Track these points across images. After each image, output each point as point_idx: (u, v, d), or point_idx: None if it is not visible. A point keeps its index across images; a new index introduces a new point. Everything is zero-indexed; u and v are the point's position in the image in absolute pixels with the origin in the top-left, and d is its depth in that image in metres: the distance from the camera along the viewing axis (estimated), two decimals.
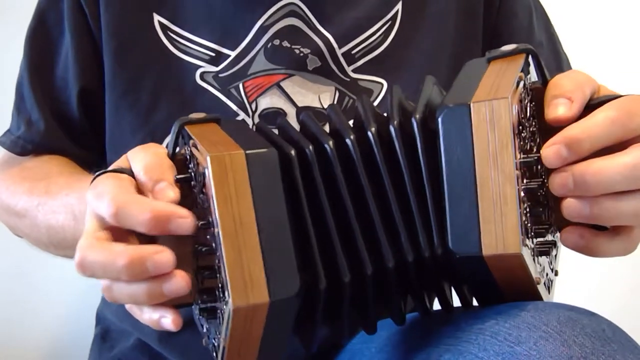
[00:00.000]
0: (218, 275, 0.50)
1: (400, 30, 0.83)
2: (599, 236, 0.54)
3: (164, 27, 0.81)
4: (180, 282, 0.50)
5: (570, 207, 0.52)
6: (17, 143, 0.87)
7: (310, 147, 0.55)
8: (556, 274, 0.60)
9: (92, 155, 0.86)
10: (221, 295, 0.50)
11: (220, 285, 0.50)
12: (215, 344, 0.54)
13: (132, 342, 0.86)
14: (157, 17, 0.81)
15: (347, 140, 0.56)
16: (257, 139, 0.54)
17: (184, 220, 0.50)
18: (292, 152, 0.54)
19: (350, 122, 0.60)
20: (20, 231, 0.84)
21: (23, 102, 0.87)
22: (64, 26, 0.84)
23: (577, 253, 0.58)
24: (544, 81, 0.57)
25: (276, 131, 0.60)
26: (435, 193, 0.54)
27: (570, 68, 0.90)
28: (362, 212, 0.56)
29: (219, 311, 0.52)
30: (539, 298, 0.54)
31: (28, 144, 0.86)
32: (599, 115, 0.51)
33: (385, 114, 0.58)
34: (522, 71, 0.55)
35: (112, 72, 0.81)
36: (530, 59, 0.58)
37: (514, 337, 0.50)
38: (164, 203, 0.52)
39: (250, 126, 0.80)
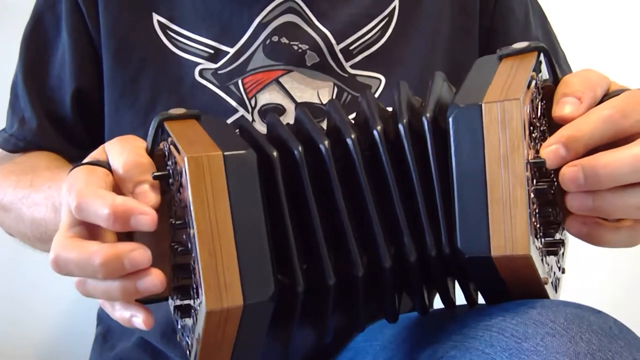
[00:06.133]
0: (193, 275, 0.50)
1: (397, 26, 0.83)
2: (602, 225, 0.54)
3: (163, 27, 0.81)
4: (154, 280, 0.50)
5: (574, 200, 0.52)
6: (9, 140, 0.87)
7: (300, 148, 0.54)
8: (563, 272, 0.60)
9: (85, 154, 0.86)
10: (195, 296, 0.50)
11: (194, 285, 0.50)
12: (189, 342, 0.54)
13: (134, 340, 0.86)
14: (156, 17, 0.82)
15: (348, 140, 0.55)
16: (237, 140, 0.53)
17: (144, 217, 0.50)
18: (275, 153, 0.53)
19: (352, 116, 0.60)
20: (8, 226, 0.84)
21: (17, 101, 0.87)
22: (61, 27, 0.84)
23: (578, 250, 0.58)
24: (555, 79, 0.57)
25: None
26: (444, 193, 0.53)
27: (567, 64, 0.91)
28: (359, 213, 0.55)
29: (193, 310, 0.52)
30: (546, 297, 0.54)
31: (20, 142, 0.86)
32: (593, 115, 0.52)
33: (389, 109, 0.58)
34: (534, 70, 0.55)
35: (111, 72, 0.82)
36: (542, 57, 0.58)
37: (521, 334, 0.50)
38: (125, 198, 0.51)
39: (250, 121, 0.80)
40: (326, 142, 0.54)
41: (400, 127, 0.55)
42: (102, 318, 0.92)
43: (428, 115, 0.54)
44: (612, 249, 0.57)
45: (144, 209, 0.50)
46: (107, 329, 0.90)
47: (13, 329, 1.30)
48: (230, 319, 0.49)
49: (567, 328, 0.49)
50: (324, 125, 0.64)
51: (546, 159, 0.51)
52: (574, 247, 0.60)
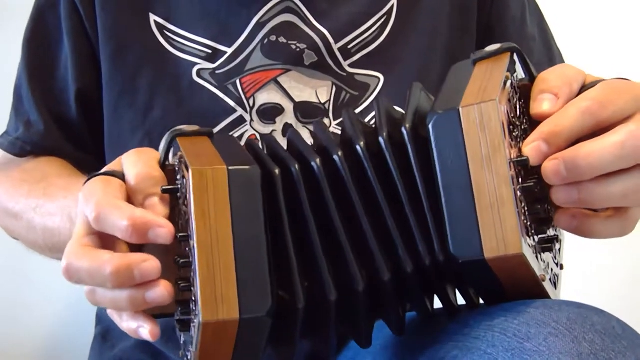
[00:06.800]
0: (192, 288, 0.50)
1: (395, 24, 0.83)
2: (592, 217, 0.55)
3: (160, 27, 0.81)
4: (162, 291, 0.50)
5: (559, 193, 0.52)
6: (15, 144, 0.86)
7: (296, 166, 0.54)
8: (561, 268, 0.60)
9: (90, 157, 0.86)
10: (194, 309, 0.50)
11: (193, 298, 0.50)
12: (188, 357, 0.54)
13: (134, 341, 0.86)
14: (153, 17, 0.81)
15: (335, 157, 0.55)
16: (243, 156, 0.54)
17: (162, 230, 0.50)
18: (276, 170, 0.53)
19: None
20: (17, 234, 0.84)
21: (21, 104, 0.87)
22: (62, 28, 0.84)
23: (576, 248, 0.58)
24: (531, 78, 0.57)
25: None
26: (432, 200, 0.54)
27: (562, 62, 0.91)
28: (355, 228, 0.55)
29: (192, 324, 0.52)
30: (546, 295, 0.54)
31: (27, 145, 0.86)
32: (571, 108, 0.52)
33: (373, 125, 0.58)
34: (508, 70, 0.55)
35: (109, 73, 0.82)
36: (515, 57, 0.58)
37: (524, 334, 0.50)
38: (144, 211, 0.52)
39: (248, 122, 0.80)
40: (317, 160, 0.55)
41: (381, 140, 0.55)
42: (102, 318, 0.92)
43: (407, 125, 0.55)
44: (612, 248, 0.57)
45: (162, 222, 0.51)
46: (106, 329, 0.90)
47: (13, 329, 1.30)
48: (227, 332, 0.49)
49: (570, 328, 0.49)
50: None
51: (529, 156, 0.51)
52: (574, 247, 0.60)
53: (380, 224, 0.55)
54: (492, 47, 0.58)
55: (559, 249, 0.60)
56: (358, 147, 0.55)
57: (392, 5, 0.83)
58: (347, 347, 0.79)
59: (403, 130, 0.55)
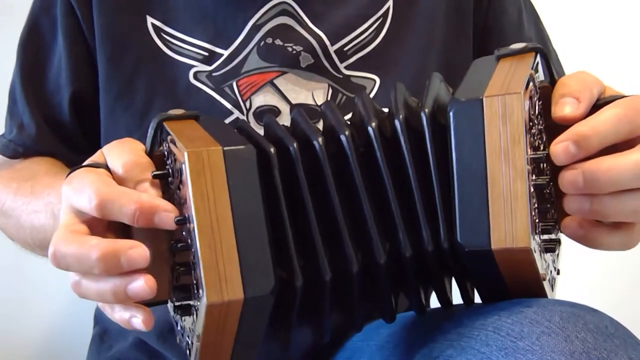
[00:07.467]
0: (193, 271, 0.50)
1: (391, 27, 0.83)
2: (598, 228, 0.55)
3: (157, 29, 0.82)
4: (144, 286, 0.49)
5: (571, 202, 0.52)
6: (8, 146, 0.87)
7: (295, 145, 0.54)
8: (558, 273, 0.60)
9: (85, 158, 0.86)
10: (196, 292, 0.50)
11: (195, 281, 0.50)
12: (189, 342, 0.54)
13: (131, 341, 0.86)
14: (150, 20, 0.82)
15: (342, 137, 0.55)
16: (235, 136, 0.54)
17: (168, 215, 0.50)
18: (272, 149, 0.54)
19: (348, 117, 0.60)
20: (9, 233, 0.84)
21: (15, 106, 0.87)
22: (57, 31, 0.84)
23: (577, 250, 0.58)
24: (552, 80, 0.58)
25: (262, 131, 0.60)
26: (443, 188, 0.54)
27: (559, 65, 0.91)
28: (356, 209, 0.56)
29: (193, 308, 0.52)
30: (544, 294, 0.54)
31: (19, 148, 0.86)
32: (606, 113, 0.52)
33: (385, 110, 0.59)
34: (532, 69, 0.55)
35: (106, 75, 0.82)
36: (538, 58, 0.58)
37: (517, 333, 0.50)
38: (148, 195, 0.52)
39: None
40: (320, 139, 0.55)
41: (397, 122, 0.55)
42: (99, 319, 0.93)
43: (426, 110, 0.55)
44: (611, 252, 0.57)
45: (167, 207, 0.51)
46: (104, 329, 0.91)
47: (11, 329, 1.30)
48: (231, 312, 0.49)
49: (563, 327, 0.50)
50: (320, 126, 0.64)
51: (555, 155, 0.51)
52: (574, 247, 0.61)
53: (383, 207, 0.55)
54: (517, 45, 0.59)
55: (558, 254, 0.60)
56: (369, 128, 0.55)
57: (388, 7, 0.83)
58: (343, 348, 0.79)
59: (422, 114, 0.55)
